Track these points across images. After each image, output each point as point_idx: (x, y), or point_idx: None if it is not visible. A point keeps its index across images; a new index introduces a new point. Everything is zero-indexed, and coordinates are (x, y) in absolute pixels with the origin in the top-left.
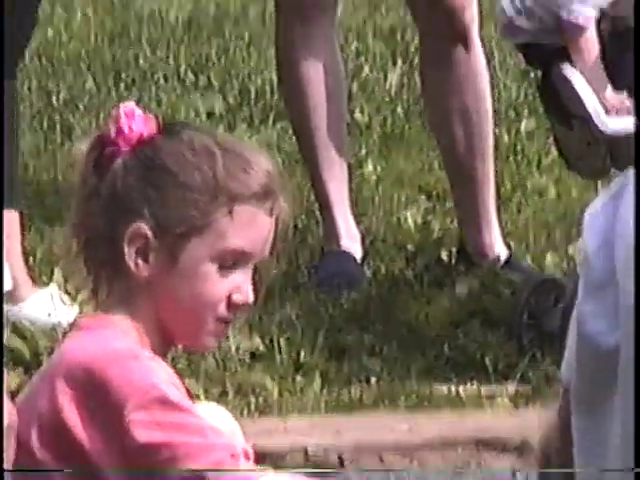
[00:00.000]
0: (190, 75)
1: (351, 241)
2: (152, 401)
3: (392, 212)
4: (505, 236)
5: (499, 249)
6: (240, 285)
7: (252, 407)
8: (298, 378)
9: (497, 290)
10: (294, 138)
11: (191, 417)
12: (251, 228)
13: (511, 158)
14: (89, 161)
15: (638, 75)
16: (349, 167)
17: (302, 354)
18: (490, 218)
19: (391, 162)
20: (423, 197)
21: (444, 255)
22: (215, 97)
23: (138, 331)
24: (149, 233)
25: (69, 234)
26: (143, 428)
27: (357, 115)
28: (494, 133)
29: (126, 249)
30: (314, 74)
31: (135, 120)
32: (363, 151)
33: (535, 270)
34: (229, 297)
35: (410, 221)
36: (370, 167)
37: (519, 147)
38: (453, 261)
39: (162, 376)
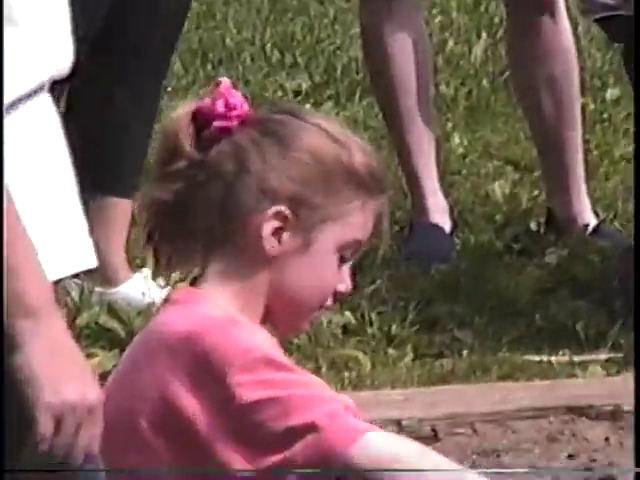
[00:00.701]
0: (276, 54)
1: (440, 214)
2: (256, 361)
3: (480, 184)
4: (593, 204)
5: (588, 217)
6: (345, 275)
7: (345, 381)
8: (390, 351)
9: (587, 258)
10: (380, 114)
11: (297, 374)
12: (371, 221)
13: (598, 126)
14: (186, 133)
15: (638, 75)
16: (436, 141)
17: (393, 327)
18: (578, 186)
19: (478, 134)
20: (510, 168)
21: (533, 225)
22: (301, 75)
23: (235, 307)
24: (289, 216)
25: (145, 204)
26: (249, 388)
27: (443, 88)
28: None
29: (263, 229)
30: (399, 49)
31: (239, 98)
32: (449, 124)
33: (624, 236)
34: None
35: (498, 192)
36: (457, 140)
37: (605, 115)
38: (542, 230)
39: (263, 338)
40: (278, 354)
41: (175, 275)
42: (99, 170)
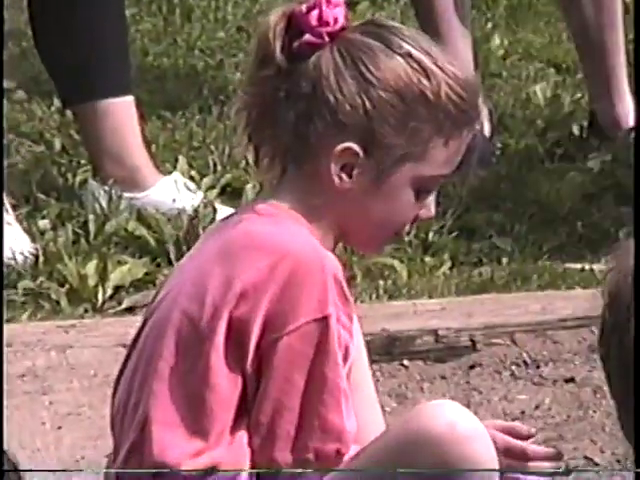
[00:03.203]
0: None
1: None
2: (314, 332)
3: (521, 86)
4: (638, 107)
5: (632, 120)
6: (429, 202)
7: (381, 290)
8: (427, 259)
9: (631, 163)
10: None
11: (334, 367)
12: (458, 155)
13: None
14: (278, 40)
15: (638, 74)
16: (474, 42)
17: (430, 235)
18: (622, 89)
19: (519, 35)
20: (552, 70)
21: (575, 129)
22: None
23: (310, 229)
24: (361, 153)
25: (241, 107)
26: (289, 354)
27: None
28: (623, 0)
29: (333, 163)
30: None
31: (337, 9)
32: (489, 24)
33: None
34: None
35: (539, 95)
36: (497, 41)
37: None
38: (585, 135)
39: (334, 299)
40: (342, 321)
41: (207, 181)
42: (87, 75)
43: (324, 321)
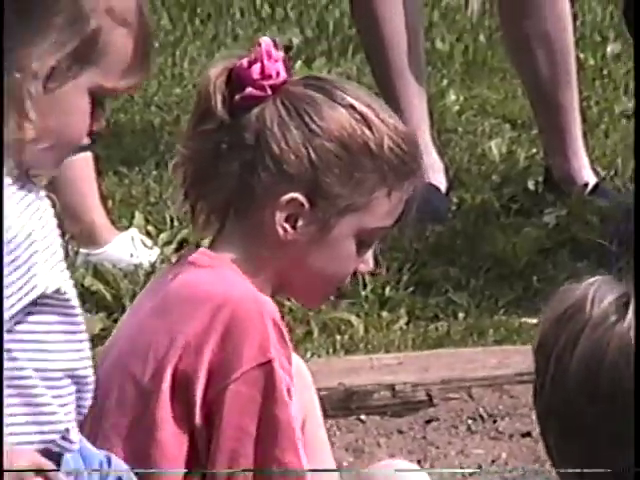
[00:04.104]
0: (267, 8)
1: (435, 173)
2: (260, 377)
3: (476, 142)
4: (593, 162)
5: (587, 176)
6: (368, 257)
7: (338, 345)
8: (384, 314)
9: (586, 218)
10: None
11: (284, 409)
12: (399, 208)
13: (597, 82)
14: (219, 94)
15: (638, 74)
16: (430, 98)
17: (387, 289)
18: (577, 145)
19: (474, 91)
20: (507, 126)
21: (530, 184)
22: (292, 30)
23: (248, 278)
24: (306, 204)
25: (179, 163)
26: (238, 403)
27: (438, 44)
28: (579, 57)
29: (277, 214)
30: (389, 3)
31: (278, 63)
32: (445, 81)
33: (624, 196)
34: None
35: (495, 151)
36: (452, 97)
37: (605, 71)
38: (540, 190)
39: (275, 342)
40: (283, 375)
41: (164, 236)
42: None
43: (268, 365)
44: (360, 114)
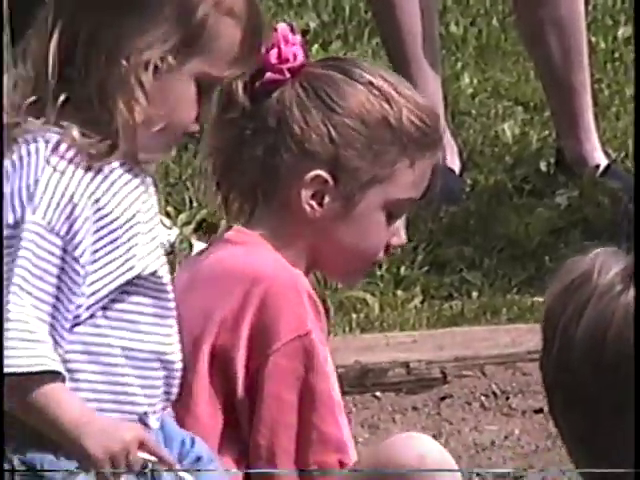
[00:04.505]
0: None
1: (449, 155)
2: (299, 349)
3: (490, 124)
4: (604, 144)
5: (598, 158)
6: (399, 228)
7: (353, 324)
8: (399, 293)
9: (597, 199)
10: None
11: (323, 379)
12: (425, 178)
13: (609, 65)
14: (240, 81)
15: (638, 74)
16: (444, 81)
17: (402, 269)
18: (588, 127)
19: (487, 74)
20: (520, 108)
21: (543, 166)
22: (309, 14)
23: (283, 254)
24: (330, 180)
25: (204, 153)
26: (278, 374)
27: (452, 28)
28: (590, 41)
29: (303, 192)
30: None
31: (295, 46)
32: (459, 64)
33: (634, 177)
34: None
35: (508, 133)
36: (466, 80)
37: (617, 54)
38: (552, 171)
39: (311, 316)
40: (323, 349)
41: (183, 217)
42: None
43: (306, 337)
44: (378, 89)
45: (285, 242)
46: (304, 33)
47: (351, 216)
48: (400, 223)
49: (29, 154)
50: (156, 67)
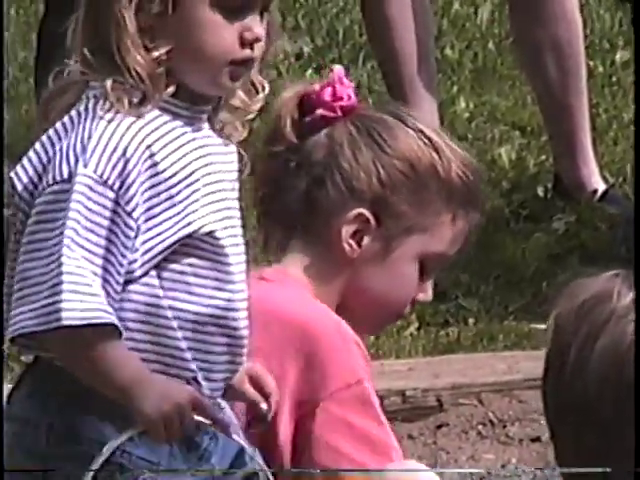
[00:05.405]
0: (278, 17)
1: None
2: (351, 398)
3: (486, 149)
4: (601, 169)
5: (596, 183)
6: (428, 286)
7: None
8: None
9: (595, 224)
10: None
11: (379, 427)
12: (462, 237)
13: (606, 90)
14: (288, 117)
15: (638, 73)
16: (440, 105)
17: None
18: (586, 151)
19: (484, 98)
20: (517, 133)
21: (540, 191)
22: (303, 38)
23: (316, 295)
24: (372, 220)
25: (251, 186)
26: (329, 423)
27: (448, 52)
28: (588, 65)
29: (344, 229)
30: (399, 12)
31: (350, 89)
32: (455, 88)
33: (632, 202)
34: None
35: (505, 157)
36: (462, 104)
37: (614, 78)
38: (549, 196)
39: (362, 363)
40: (371, 388)
41: None
42: None
43: (359, 385)
44: (429, 139)
45: (321, 282)
46: (298, 57)
47: (387, 262)
48: (428, 279)
49: (86, 109)
50: None
